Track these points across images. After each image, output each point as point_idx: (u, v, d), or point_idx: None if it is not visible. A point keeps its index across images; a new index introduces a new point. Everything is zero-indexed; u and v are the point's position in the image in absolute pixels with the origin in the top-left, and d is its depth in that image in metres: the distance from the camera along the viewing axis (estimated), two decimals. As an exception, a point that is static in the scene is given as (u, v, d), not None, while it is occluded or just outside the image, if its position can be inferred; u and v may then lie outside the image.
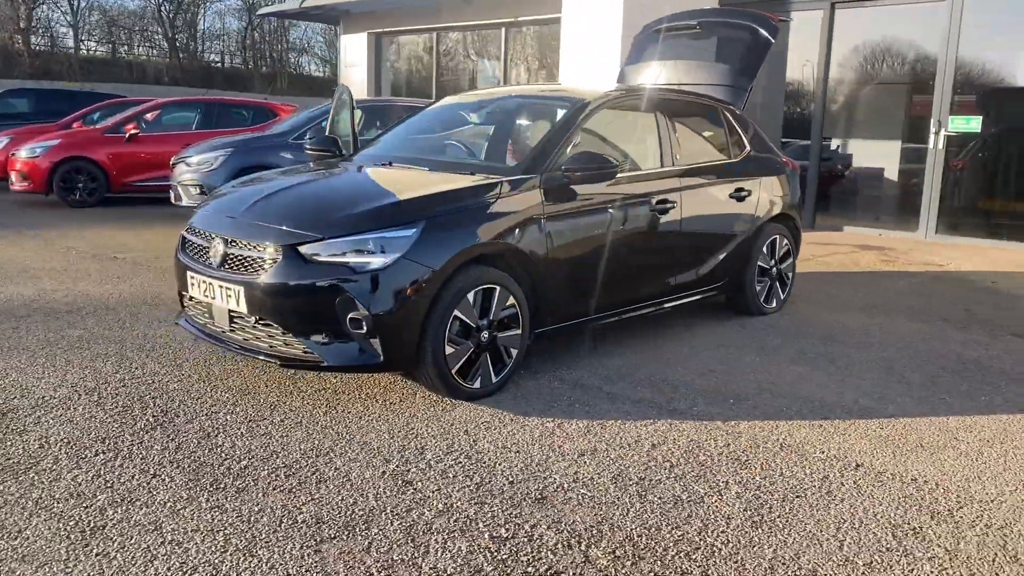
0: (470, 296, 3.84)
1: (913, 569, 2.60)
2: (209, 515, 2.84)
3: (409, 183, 4.19)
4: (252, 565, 2.54)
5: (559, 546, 2.69)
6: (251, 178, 4.73)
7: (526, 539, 2.73)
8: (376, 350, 3.66)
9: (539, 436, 3.58)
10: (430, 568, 2.55)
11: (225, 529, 2.75)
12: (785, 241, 5.88)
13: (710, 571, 2.56)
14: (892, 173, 10.45)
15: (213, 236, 3.96)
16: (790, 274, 6.02)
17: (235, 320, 3.90)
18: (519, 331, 4.09)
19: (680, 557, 2.64)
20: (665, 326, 5.41)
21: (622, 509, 2.95)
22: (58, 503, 2.90)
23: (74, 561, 2.55)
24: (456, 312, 3.80)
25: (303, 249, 3.66)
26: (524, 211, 4.09)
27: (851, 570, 2.58)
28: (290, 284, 3.65)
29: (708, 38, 6.11)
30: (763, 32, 5.92)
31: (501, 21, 13.23)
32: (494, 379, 4.01)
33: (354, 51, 15.53)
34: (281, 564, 2.55)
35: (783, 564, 2.61)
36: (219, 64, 49.43)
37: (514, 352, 4.10)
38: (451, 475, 3.19)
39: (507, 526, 2.81)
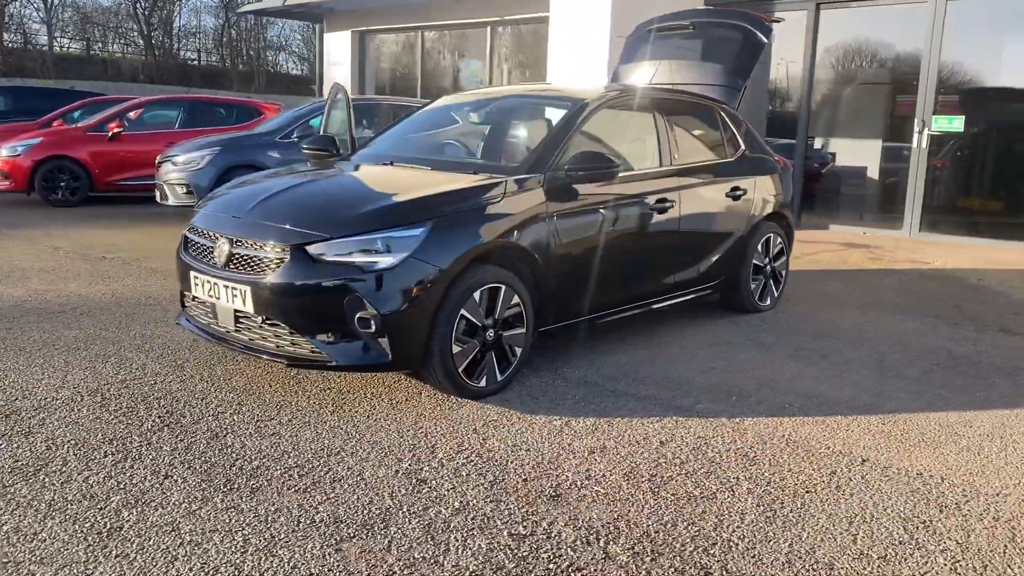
0: (476, 295, 3.85)
1: (927, 562, 2.65)
2: (226, 515, 2.83)
3: (414, 183, 4.20)
4: (274, 565, 2.54)
5: (578, 543, 2.71)
6: (251, 178, 4.71)
7: (545, 536, 2.75)
8: (384, 349, 3.67)
9: (547, 434, 3.60)
10: (452, 566, 2.57)
11: (243, 529, 2.75)
12: (779, 239, 5.95)
13: (729, 566, 2.59)
14: (876, 172, 10.58)
15: (218, 236, 3.95)
16: (784, 272, 6.09)
17: (241, 320, 3.88)
18: (523, 330, 4.11)
19: (698, 552, 2.67)
20: (662, 324, 5.45)
21: (637, 506, 2.97)
22: (71, 505, 2.88)
23: (94, 563, 2.54)
24: (463, 311, 3.81)
25: (311, 249, 3.66)
26: (528, 210, 4.11)
27: (866, 563, 2.62)
28: (298, 284, 3.64)
29: (701, 38, 6.16)
30: (756, 32, 5.98)
31: (486, 20, 13.24)
32: (499, 377, 4.03)
33: (337, 49, 15.47)
34: (303, 563, 2.56)
35: (799, 558, 2.65)
36: (195, 62, 49.02)
37: (519, 351, 4.12)
38: (464, 473, 3.20)
39: (524, 523, 2.83)
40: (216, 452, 3.34)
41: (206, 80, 42.80)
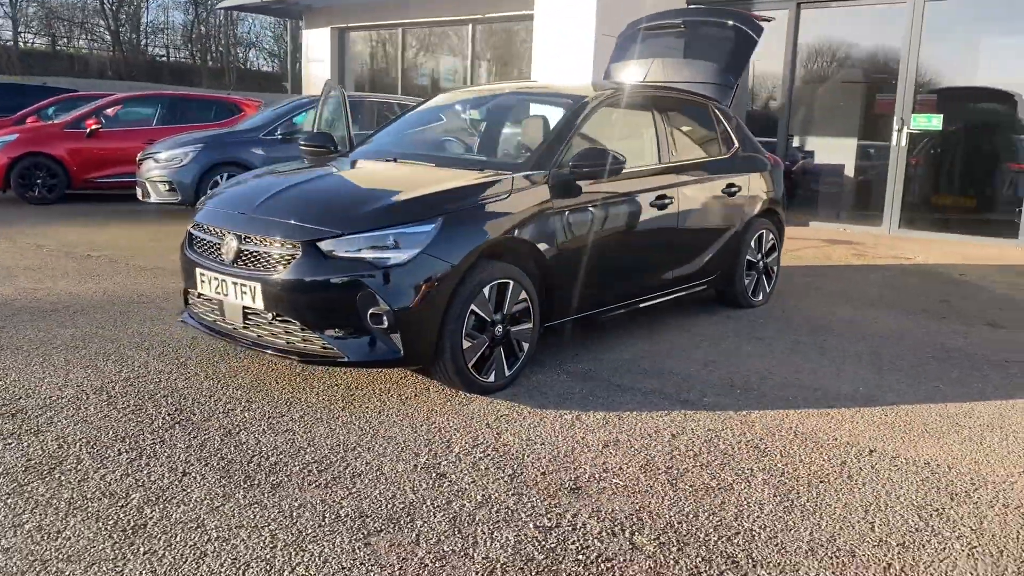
0: (486, 291, 3.87)
1: (945, 547, 2.71)
2: (250, 511, 2.83)
3: (422, 179, 4.21)
4: (305, 559, 2.55)
5: (603, 534, 2.75)
6: (253, 174, 4.69)
7: (570, 528, 2.78)
8: (397, 345, 3.67)
9: (560, 428, 3.63)
10: (482, 558, 2.59)
11: (269, 525, 2.75)
12: (771, 235, 6.03)
13: (754, 554, 2.64)
14: (856, 170, 10.75)
15: (225, 232, 3.93)
16: (775, 268, 6.18)
17: (249, 317, 3.87)
18: (530, 325, 4.14)
19: (723, 542, 2.71)
20: (659, 319, 5.50)
21: (657, 497, 3.01)
22: (92, 503, 2.86)
23: (122, 560, 2.52)
24: (473, 307, 3.83)
25: (323, 245, 3.65)
26: (535, 206, 4.14)
27: (886, 550, 2.69)
28: (310, 280, 3.64)
29: (693, 36, 6.22)
30: (748, 31, 6.05)
31: (468, 17, 13.24)
32: (507, 373, 4.05)
33: (317, 46, 15.38)
34: (334, 558, 2.56)
35: (821, 546, 2.70)
36: (164, 58, 48.42)
37: (526, 346, 4.14)
38: (482, 467, 3.22)
39: (549, 516, 2.85)
40: (231, 449, 3.33)
41: (175, 77, 42.30)
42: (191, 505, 2.86)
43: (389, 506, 2.89)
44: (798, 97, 10.87)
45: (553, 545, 2.67)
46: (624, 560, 2.59)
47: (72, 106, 13.55)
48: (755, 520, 2.86)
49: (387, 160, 4.72)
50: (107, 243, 8.05)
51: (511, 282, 3.98)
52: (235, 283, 3.84)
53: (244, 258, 3.84)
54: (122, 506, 2.85)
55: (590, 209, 4.44)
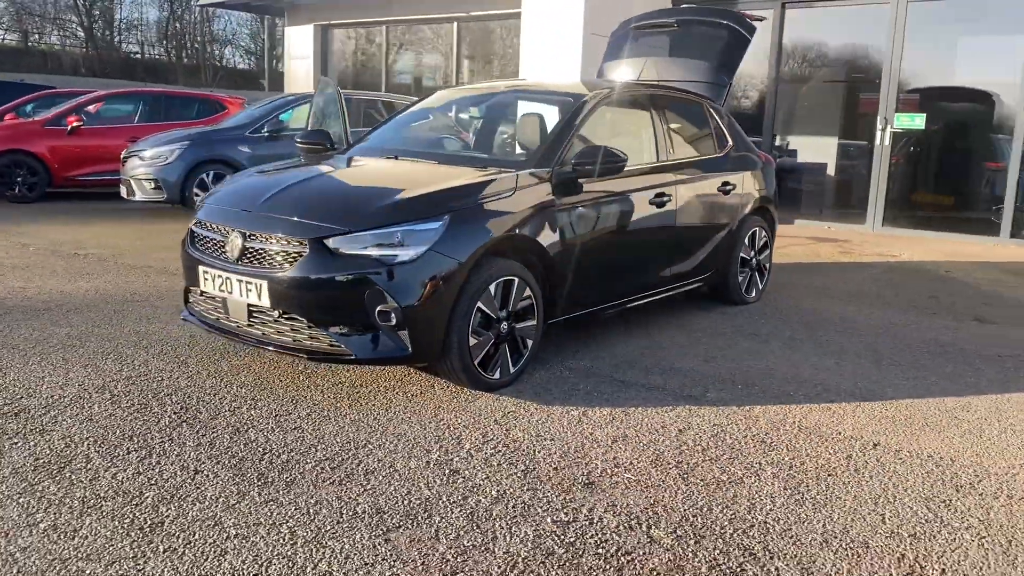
0: (491, 288, 3.89)
1: (955, 538, 2.76)
2: (266, 509, 2.83)
3: (426, 177, 4.21)
4: (327, 556, 2.55)
5: (621, 528, 2.77)
6: (253, 172, 4.67)
7: (587, 522, 2.80)
8: (405, 343, 3.68)
9: (568, 424, 3.65)
10: (503, 552, 2.60)
11: (287, 522, 2.74)
12: (764, 233, 6.09)
13: (770, 546, 2.68)
14: (840, 168, 10.88)
15: (229, 230, 3.91)
16: (768, 265, 6.24)
17: (254, 315, 3.85)
18: (534, 322, 4.16)
19: (738, 534, 2.75)
20: (655, 317, 5.54)
21: (670, 491, 3.04)
22: (105, 501, 2.85)
23: (143, 558, 2.51)
24: (479, 304, 3.84)
25: (330, 242, 3.65)
26: (538, 204, 4.16)
27: (898, 541, 2.73)
28: (317, 277, 3.63)
29: (687, 36, 6.27)
30: (741, 30, 6.11)
31: (452, 15, 13.23)
32: (512, 369, 4.07)
33: (300, 44, 15.30)
34: (355, 554, 2.57)
35: (835, 537, 2.74)
36: (138, 55, 47.91)
37: (530, 343, 4.16)
38: (495, 463, 3.23)
39: (565, 510, 2.88)
40: (241, 447, 3.32)
41: (150, 74, 41.88)
42: (206, 503, 2.86)
43: (405, 502, 2.90)
44: (782, 96, 10.97)
45: (572, 539, 2.69)
46: (643, 553, 2.62)
47: (51, 103, 13.38)
48: (768, 513, 2.90)
49: (388, 158, 4.71)
50: (93, 241, 7.97)
51: (516, 279, 4.00)
52: (240, 281, 3.83)
53: (249, 256, 3.83)
54: (137, 504, 2.83)
55: (592, 207, 4.47)
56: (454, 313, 3.76)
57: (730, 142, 5.85)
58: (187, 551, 2.56)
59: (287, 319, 3.77)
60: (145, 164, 9.53)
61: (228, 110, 12.37)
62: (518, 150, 4.80)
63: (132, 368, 4.22)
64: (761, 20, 6.37)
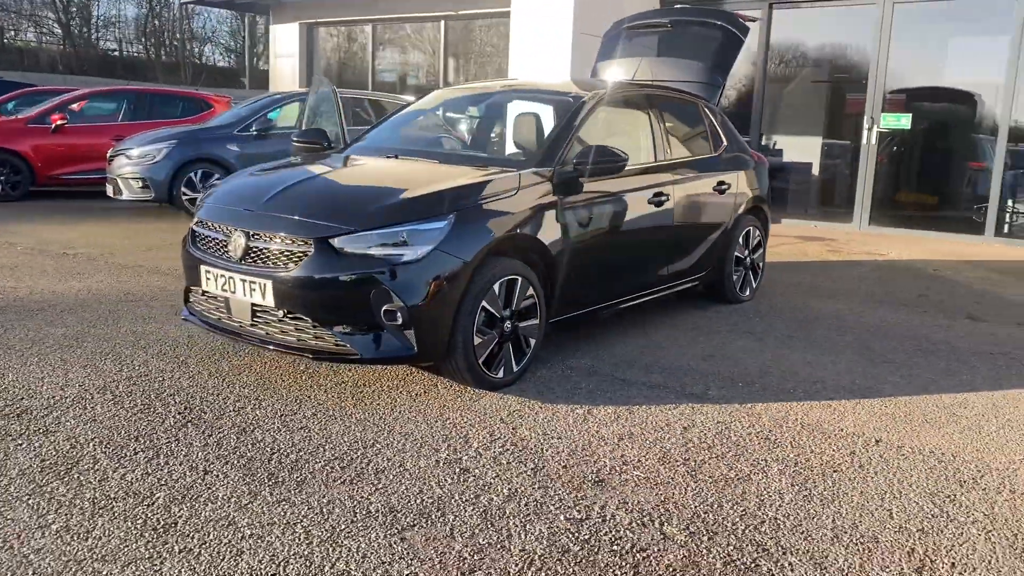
0: (496, 287, 3.90)
1: (962, 532, 2.81)
2: (279, 509, 2.82)
3: (429, 176, 4.21)
4: (344, 555, 2.55)
5: (634, 525, 2.79)
6: (252, 171, 4.64)
7: (600, 519, 2.82)
8: (410, 342, 3.68)
9: (573, 422, 3.67)
10: (519, 550, 2.62)
11: (301, 521, 2.74)
12: (757, 232, 6.15)
13: (782, 542, 2.71)
14: (827, 168, 10.97)
15: (232, 230, 3.89)
16: (761, 264, 6.29)
17: (258, 314, 3.84)
18: (537, 321, 4.17)
19: (750, 531, 2.78)
20: (651, 316, 5.57)
21: (679, 489, 3.07)
22: (116, 502, 2.83)
23: (159, 559, 2.51)
24: (484, 303, 3.85)
25: (335, 242, 3.65)
26: (541, 203, 4.18)
27: (907, 536, 2.77)
28: (323, 277, 3.63)
29: (680, 36, 6.30)
30: (734, 31, 6.15)
31: (439, 14, 13.21)
32: (515, 368, 4.08)
33: (285, 42, 15.22)
34: (372, 552, 2.57)
35: (845, 533, 2.78)
36: (116, 52, 47.43)
37: (532, 342, 4.18)
38: (504, 462, 3.25)
39: (577, 508, 2.89)
40: (249, 447, 3.31)
41: (129, 71, 41.46)
42: (219, 503, 2.85)
43: (418, 501, 2.90)
44: (769, 96, 11.05)
45: (587, 537, 2.71)
46: (658, 550, 2.64)
47: (33, 101, 13.25)
48: (778, 509, 2.93)
49: (387, 157, 4.71)
50: (81, 241, 7.91)
51: (519, 278, 4.01)
52: (243, 280, 3.81)
53: (253, 255, 3.82)
54: (148, 505, 2.82)
55: (593, 206, 4.49)
56: (459, 312, 3.77)
57: (724, 142, 5.89)
58: (203, 551, 2.56)
59: (292, 319, 3.76)
60: (132, 163, 9.46)
61: (214, 109, 12.29)
62: (517, 149, 4.80)
63: (132, 368, 4.20)
64: (754, 21, 6.42)
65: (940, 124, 10.35)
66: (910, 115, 9.82)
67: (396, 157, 4.68)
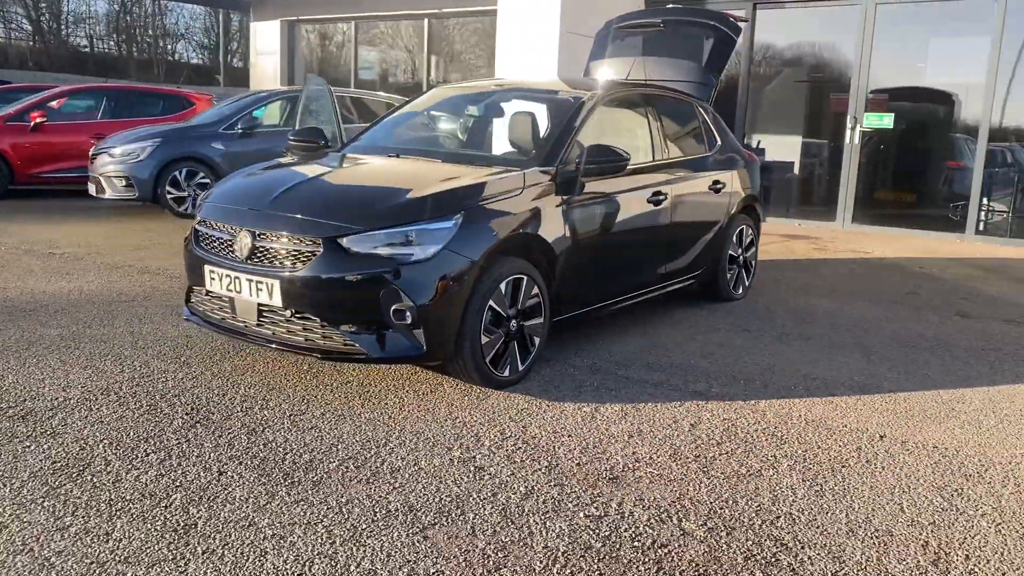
0: (502, 286, 3.91)
1: (973, 525, 2.87)
2: (298, 509, 2.82)
3: (433, 175, 4.21)
4: (369, 553, 2.56)
5: (652, 521, 2.82)
6: (252, 170, 4.61)
7: (619, 516, 2.85)
8: (419, 341, 3.69)
9: (582, 420, 3.69)
10: (542, 547, 2.63)
11: (322, 521, 2.74)
12: (750, 231, 6.21)
13: (799, 536, 2.75)
14: (810, 167, 11.09)
15: (238, 229, 3.87)
16: (753, 262, 6.35)
17: (265, 314, 3.83)
18: (541, 319, 4.19)
19: (767, 525, 2.81)
20: (648, 314, 5.61)
21: (693, 485, 3.10)
22: (133, 504, 2.82)
23: (183, 560, 2.50)
24: (490, 302, 3.86)
25: (344, 241, 3.64)
26: (544, 202, 4.19)
27: (920, 529, 2.82)
28: (332, 277, 3.62)
29: (673, 36, 6.34)
30: (726, 30, 6.20)
31: (423, 12, 13.18)
32: (520, 367, 4.10)
33: (266, 39, 15.11)
34: (395, 551, 2.58)
35: (860, 527, 2.82)
36: (88, 48, 46.79)
37: (537, 340, 4.20)
38: (517, 460, 3.26)
39: (595, 505, 2.92)
40: (261, 447, 3.30)
41: (101, 68, 40.88)
42: (237, 504, 2.84)
43: (436, 499, 2.91)
44: (753, 95, 11.15)
45: (607, 533, 2.73)
46: (679, 546, 2.67)
47: (9, 98, 13.04)
48: (792, 504, 2.97)
49: (388, 156, 4.71)
50: (66, 240, 7.81)
51: (525, 277, 4.03)
52: (250, 280, 3.80)
53: (259, 255, 3.80)
54: (165, 506, 2.81)
55: (594, 205, 4.52)
56: (467, 312, 3.77)
57: (719, 141, 5.94)
58: (226, 552, 2.55)
59: (300, 318, 3.75)
60: (115, 161, 9.35)
61: (195, 107, 12.18)
62: (520, 148, 4.79)
63: (133, 369, 4.17)
64: (745, 21, 6.48)
65: (922, 124, 10.51)
66: (892, 115, 9.95)
67: (398, 156, 4.68)
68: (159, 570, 2.45)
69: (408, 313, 3.63)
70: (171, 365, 4.24)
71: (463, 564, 2.53)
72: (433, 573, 2.47)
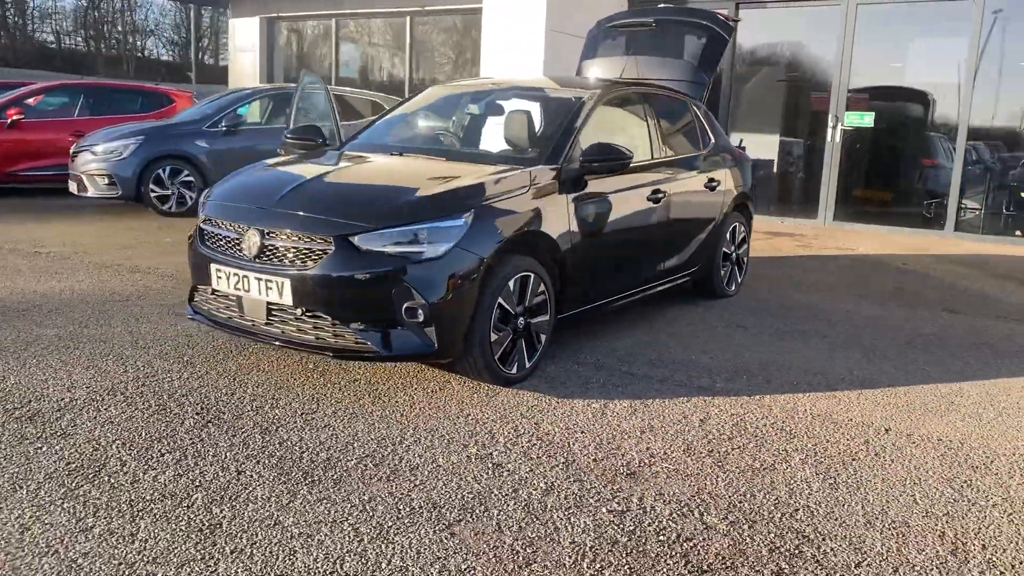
0: (511, 284, 3.93)
1: (985, 516, 2.93)
2: (321, 507, 2.82)
3: (440, 173, 4.21)
4: (399, 550, 2.57)
5: (674, 515, 2.85)
6: (254, 168, 4.58)
7: (641, 511, 2.87)
8: (431, 339, 3.69)
9: (593, 417, 3.72)
10: (569, 542, 2.66)
11: (348, 519, 2.74)
12: (743, 228, 6.28)
13: (819, 528, 2.80)
14: (791, 164, 11.22)
15: (245, 228, 3.85)
16: (745, 259, 6.42)
17: (274, 313, 3.81)
18: (547, 317, 4.22)
19: (787, 518, 2.86)
20: (645, 311, 5.65)
21: (710, 480, 3.14)
22: (154, 504, 2.80)
23: (212, 560, 2.49)
24: (499, 299, 3.87)
25: (356, 239, 3.63)
26: (550, 200, 4.21)
27: (935, 520, 2.88)
28: (344, 275, 3.61)
29: (665, 35, 6.39)
30: (718, 30, 6.26)
31: (406, 9, 13.14)
32: (527, 364, 4.12)
33: (244, 36, 14.97)
34: (424, 548, 2.59)
35: (877, 518, 2.88)
36: (54, 45, 46.03)
37: (543, 337, 4.22)
38: (534, 456, 3.28)
39: (616, 500, 2.94)
40: (276, 446, 3.29)
41: (68, 65, 40.31)
42: (259, 503, 2.83)
43: (459, 496, 2.92)
44: (736, 94, 11.25)
45: (632, 528, 2.76)
46: (704, 539, 2.70)
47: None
48: (808, 497, 3.02)
49: (392, 154, 4.70)
50: (51, 239, 7.70)
51: (532, 275, 4.05)
52: (258, 279, 3.78)
53: (268, 253, 3.79)
54: (188, 507, 2.79)
55: (598, 203, 4.55)
56: (478, 309, 3.79)
57: (712, 139, 6.00)
58: (255, 551, 2.54)
59: (310, 317, 3.73)
60: (98, 159, 9.23)
61: (176, 104, 12.06)
62: (517, 146, 4.81)
63: (136, 369, 4.13)
64: (737, 21, 6.54)
65: (903, 122, 10.67)
66: (873, 113, 10.09)
67: (401, 155, 4.67)
68: (189, 570, 2.43)
69: (420, 311, 3.64)
70: (175, 365, 4.21)
71: (493, 560, 2.54)
72: (465, 569, 2.49)
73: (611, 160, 4.39)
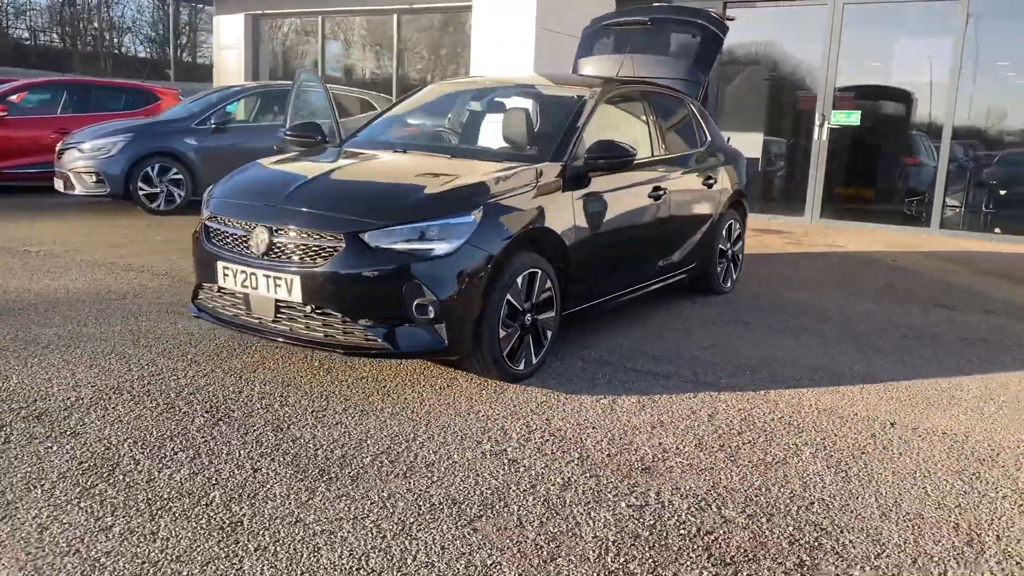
0: (519, 280, 3.94)
1: (996, 507, 2.98)
2: (342, 504, 2.82)
3: (447, 170, 4.21)
4: (423, 546, 2.57)
5: (693, 509, 2.88)
6: (259, 165, 4.54)
7: (659, 505, 2.90)
8: (441, 335, 3.69)
9: (602, 412, 3.74)
10: (591, 537, 2.67)
11: (369, 516, 2.74)
12: (738, 225, 6.32)
13: (836, 521, 2.83)
14: (778, 162, 11.30)
15: (253, 225, 3.83)
16: (740, 256, 6.47)
17: (282, 310, 3.79)
18: (553, 313, 4.23)
19: (804, 511, 2.89)
20: (644, 308, 5.68)
21: (725, 474, 3.17)
22: (172, 503, 2.79)
23: (236, 558, 2.48)
24: (508, 296, 3.88)
25: (366, 237, 3.63)
26: (555, 197, 4.23)
27: (948, 512, 2.93)
28: (355, 272, 3.61)
29: (661, 34, 6.42)
30: (714, 29, 6.30)
31: (393, 7, 13.10)
32: (534, 360, 4.13)
33: (229, 33, 14.86)
34: (448, 543, 2.59)
35: (891, 511, 2.92)
36: (29, 41, 45.45)
37: (550, 333, 4.23)
38: (548, 452, 3.30)
39: (634, 495, 2.96)
40: (289, 443, 3.28)
41: (44, 61, 39.79)
42: (279, 501, 2.82)
43: (477, 492, 2.93)
44: (723, 93, 11.32)
45: (652, 522, 2.78)
46: (724, 532, 2.73)
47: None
48: (823, 490, 3.06)
49: (395, 151, 4.69)
50: (41, 238, 7.62)
51: (539, 271, 4.06)
52: (267, 276, 3.76)
53: (277, 251, 3.77)
54: (207, 505, 2.78)
55: (601, 200, 4.57)
56: (487, 306, 3.79)
57: (708, 137, 6.04)
58: (278, 549, 2.54)
59: (320, 314, 3.73)
60: (85, 157, 9.13)
61: (161, 101, 11.95)
62: (516, 143, 4.81)
63: (140, 367, 4.10)
64: (732, 20, 6.59)
65: (888, 121, 10.79)
66: (859, 111, 10.19)
67: (405, 152, 4.67)
68: (214, 568, 2.43)
69: (431, 307, 3.64)
70: (179, 363, 4.18)
71: (518, 555, 2.55)
72: (491, 564, 2.49)
73: (615, 157, 4.40)
